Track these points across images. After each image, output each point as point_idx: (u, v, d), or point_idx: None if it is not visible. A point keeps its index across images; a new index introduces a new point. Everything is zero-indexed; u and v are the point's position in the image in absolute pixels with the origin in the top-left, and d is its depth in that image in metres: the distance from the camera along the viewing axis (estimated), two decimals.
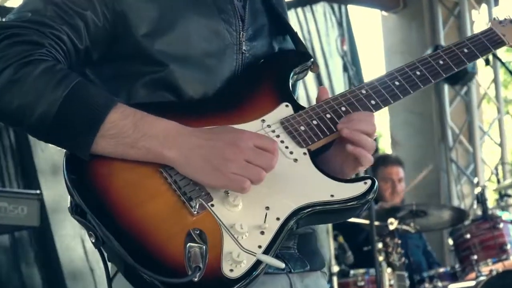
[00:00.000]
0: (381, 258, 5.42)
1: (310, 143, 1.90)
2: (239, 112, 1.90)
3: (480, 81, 8.86)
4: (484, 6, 8.60)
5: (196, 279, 1.52)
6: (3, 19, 1.86)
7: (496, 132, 8.74)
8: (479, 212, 6.34)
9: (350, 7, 8.82)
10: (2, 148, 6.07)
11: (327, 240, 5.83)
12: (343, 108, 1.95)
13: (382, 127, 10.68)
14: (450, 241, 6.36)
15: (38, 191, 5.03)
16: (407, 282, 5.56)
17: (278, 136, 1.89)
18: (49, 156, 5.90)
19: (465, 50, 2.14)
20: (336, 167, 2.00)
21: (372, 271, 5.62)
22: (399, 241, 5.54)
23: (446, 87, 8.51)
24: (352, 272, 5.78)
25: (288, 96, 1.99)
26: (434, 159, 8.46)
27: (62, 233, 6.18)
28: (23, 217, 4.77)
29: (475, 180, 8.11)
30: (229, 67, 1.98)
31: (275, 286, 1.87)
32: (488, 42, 2.20)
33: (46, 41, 1.80)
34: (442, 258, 7.83)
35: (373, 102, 1.98)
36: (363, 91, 1.99)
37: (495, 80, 8.64)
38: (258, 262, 1.65)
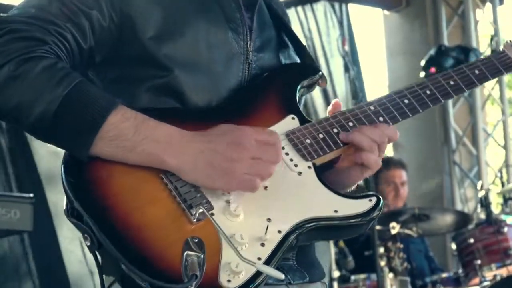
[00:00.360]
0: (382, 263, 5.42)
1: (315, 156, 1.91)
2: (243, 122, 1.89)
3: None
4: (488, 5, 8.60)
5: None
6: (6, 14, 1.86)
7: (500, 134, 8.74)
8: (483, 216, 6.36)
9: (351, 5, 8.82)
10: (1, 151, 6.06)
11: (327, 244, 5.83)
12: (351, 124, 1.98)
13: None
14: (453, 246, 6.35)
15: (31, 195, 4.99)
16: None
17: (283, 148, 1.89)
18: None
19: (476, 72, 2.17)
20: (342, 181, 2.02)
21: (373, 276, 5.62)
22: (401, 246, 5.54)
23: None
24: (353, 277, 5.78)
25: (295, 109, 2.00)
26: (437, 162, 8.46)
27: (61, 235, 6.20)
28: (15, 221, 4.75)
29: (479, 183, 8.07)
30: (235, 76, 1.99)
31: None
32: (500, 65, 2.23)
33: (49, 38, 1.80)
34: (445, 263, 7.85)
35: (381, 119, 2.00)
36: (372, 107, 2.01)
37: (500, 81, 8.64)
38: (257, 274, 1.65)
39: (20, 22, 1.80)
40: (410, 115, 2.05)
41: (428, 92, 2.07)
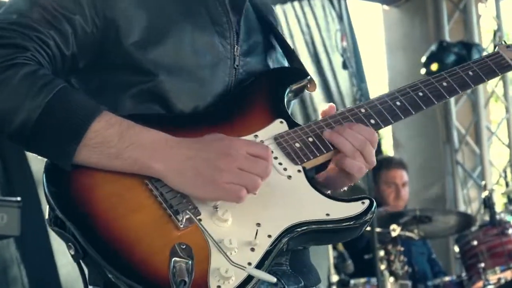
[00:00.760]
0: (382, 266, 5.43)
1: (305, 160, 1.93)
2: (231, 127, 1.93)
3: None
4: None
5: None
6: None
7: (504, 133, 8.73)
8: (487, 218, 6.34)
9: (350, 0, 8.82)
10: None
11: (326, 248, 5.82)
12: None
13: (383, 128, 10.66)
14: (456, 248, 6.36)
15: (18, 198, 4.97)
16: None
17: (272, 152, 1.89)
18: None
19: (470, 73, 2.19)
20: (332, 185, 2.03)
21: (373, 280, 5.62)
22: (402, 249, 5.55)
23: None
24: (352, 281, 5.78)
25: (283, 113, 2.02)
26: (439, 161, 8.46)
27: (53, 238, 6.20)
28: (2, 225, 4.73)
29: (483, 183, 8.09)
30: (222, 82, 2.00)
31: None
32: (494, 66, 2.25)
33: (30, 45, 1.81)
34: (448, 266, 7.85)
35: (372, 121, 2.02)
36: (362, 110, 2.03)
37: (503, 78, 8.63)
38: (248, 279, 1.66)
39: (1, 29, 1.80)
40: (402, 117, 2.06)
41: (420, 94, 2.09)
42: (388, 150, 9.64)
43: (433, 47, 8.06)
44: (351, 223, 1.84)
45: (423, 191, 8.34)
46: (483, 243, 5.98)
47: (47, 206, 1.75)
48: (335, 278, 5.74)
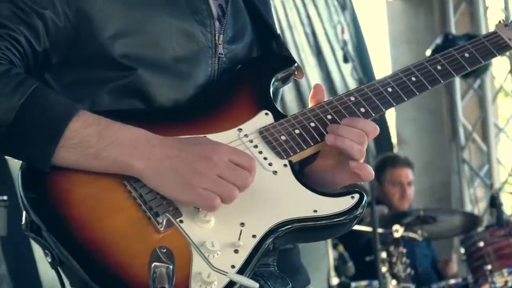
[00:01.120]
0: (384, 269, 5.39)
1: (291, 154, 1.90)
2: (214, 120, 1.90)
3: (495, 73, 8.83)
4: None
5: None
6: None
7: None
8: (494, 218, 6.31)
9: None
10: None
11: (325, 249, 5.79)
12: (329, 117, 1.96)
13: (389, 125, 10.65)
14: (462, 250, 6.35)
15: (5, 197, 4.94)
16: None
17: (256, 146, 1.88)
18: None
19: (466, 55, 2.15)
20: (326, 180, 2.00)
21: (375, 283, 5.60)
22: (404, 250, 5.53)
23: (457, 80, 8.47)
24: (353, 284, 5.76)
25: (269, 104, 1.98)
26: (444, 159, 8.44)
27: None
28: None
29: (490, 182, 8.08)
30: (204, 72, 1.97)
31: None
32: (491, 46, 2.21)
33: (1, 43, 1.80)
34: None
35: (362, 110, 1.99)
36: (352, 98, 2.00)
37: None
38: (231, 283, 1.63)
39: None
40: (394, 104, 2.02)
41: (413, 79, 2.05)
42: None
43: (438, 40, 8.04)
44: (341, 218, 1.82)
45: (428, 190, 8.32)
46: (489, 245, 5.97)
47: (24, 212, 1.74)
48: (335, 280, 5.73)
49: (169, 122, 1.86)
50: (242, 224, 1.74)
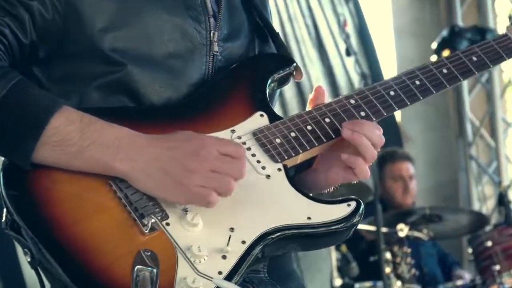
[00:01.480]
0: (388, 269, 5.37)
1: (286, 157, 1.88)
2: (206, 120, 1.89)
3: (504, 66, 8.78)
4: None
5: None
6: None
7: None
8: (502, 216, 6.32)
9: None
10: None
11: (327, 250, 5.77)
12: (327, 120, 1.95)
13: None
14: (469, 250, 6.33)
15: None
16: None
17: (249, 148, 1.87)
18: None
19: (474, 58, 2.12)
20: (320, 182, 1.99)
21: (379, 284, 5.59)
22: (409, 250, 5.51)
23: None
24: (357, 285, 5.74)
25: (264, 105, 1.97)
26: (451, 156, 8.41)
27: None
28: None
29: (498, 179, 8.05)
30: (198, 70, 1.96)
31: None
32: (501, 50, 2.18)
33: None
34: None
35: (362, 113, 1.97)
36: (352, 101, 1.98)
37: None
38: None
39: None
40: (396, 109, 2.00)
41: (417, 82, 2.03)
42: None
43: (444, 33, 8.01)
44: (337, 227, 1.80)
45: (435, 189, 8.29)
46: (498, 244, 5.94)
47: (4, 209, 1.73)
48: (338, 282, 5.73)
49: (159, 121, 1.85)
50: (232, 229, 1.73)
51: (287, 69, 2.05)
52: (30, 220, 1.66)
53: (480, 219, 6.34)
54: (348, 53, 5.99)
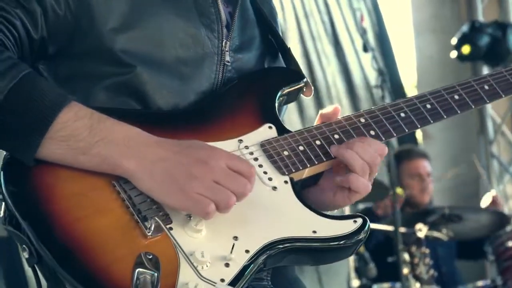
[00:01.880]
0: (406, 270, 5.34)
1: (293, 170, 1.89)
2: (213, 129, 1.90)
3: None
4: None
5: None
6: None
7: None
8: None
9: None
10: None
11: None
12: (336, 136, 1.97)
13: None
14: (490, 250, 6.31)
15: None
16: None
17: (256, 159, 1.88)
18: None
19: (486, 87, 2.15)
20: (326, 201, 1.99)
21: (398, 285, 5.56)
22: (427, 251, 5.48)
23: (485, 69, 8.39)
24: (375, 287, 5.72)
25: (273, 117, 1.99)
26: (472, 154, 8.36)
27: None
28: None
29: None
30: (207, 79, 1.97)
31: None
32: None
33: None
34: (481, 270, 7.77)
35: (372, 132, 1.99)
36: (362, 120, 2.01)
37: None
38: None
39: None
40: (406, 131, 2.02)
41: (428, 106, 2.06)
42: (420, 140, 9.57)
43: (464, 28, 7.98)
44: (341, 242, 1.80)
45: (455, 187, 8.25)
46: None
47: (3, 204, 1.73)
48: (355, 283, 5.71)
49: (165, 126, 1.85)
50: (235, 238, 1.73)
51: (297, 84, 2.07)
52: (30, 216, 1.66)
53: (501, 219, 6.29)
54: (365, 48, 5.98)
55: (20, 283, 6.09)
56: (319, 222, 1.82)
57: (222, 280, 1.65)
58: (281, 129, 1.96)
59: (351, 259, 5.74)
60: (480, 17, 8.37)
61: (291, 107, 6.72)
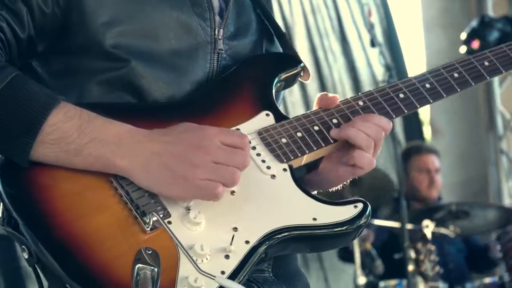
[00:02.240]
0: (411, 267, 5.35)
1: (292, 158, 1.89)
2: (210, 118, 1.88)
3: None
4: None
5: None
6: None
7: None
8: None
9: None
10: None
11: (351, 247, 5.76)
12: (335, 120, 1.96)
13: (421, 113, 10.59)
14: (498, 247, 6.26)
15: None
16: None
17: (254, 148, 1.87)
18: None
19: (486, 63, 2.14)
20: (327, 181, 2.00)
21: (405, 282, 5.54)
22: (433, 247, 5.47)
23: None
24: (382, 284, 5.74)
25: (270, 105, 1.98)
26: (481, 150, 8.37)
27: None
28: None
29: None
30: (202, 68, 1.96)
31: None
32: None
33: None
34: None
35: None
36: (360, 103, 2.00)
37: None
38: None
39: None
40: (406, 112, 2.02)
41: (427, 85, 2.05)
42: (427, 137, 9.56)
43: (474, 23, 7.96)
44: (343, 228, 1.80)
45: (464, 183, 8.26)
46: None
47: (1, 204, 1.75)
48: (362, 280, 5.68)
49: (161, 119, 1.84)
50: (235, 229, 1.73)
51: (294, 69, 2.07)
52: (29, 217, 1.66)
53: (509, 215, 6.28)
54: (372, 44, 5.97)
55: (20, 281, 6.13)
56: (319, 209, 1.81)
57: (223, 273, 1.65)
58: (279, 116, 1.95)
59: (358, 256, 5.75)
60: (490, 12, 8.35)
61: (298, 103, 6.73)
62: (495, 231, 6.51)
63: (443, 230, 5.84)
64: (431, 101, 2.04)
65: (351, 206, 1.83)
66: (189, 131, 1.73)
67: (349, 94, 7.77)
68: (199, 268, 1.62)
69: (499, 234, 6.32)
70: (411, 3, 8.97)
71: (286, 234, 1.76)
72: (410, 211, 5.79)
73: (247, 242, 1.72)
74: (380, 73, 7.65)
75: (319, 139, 1.92)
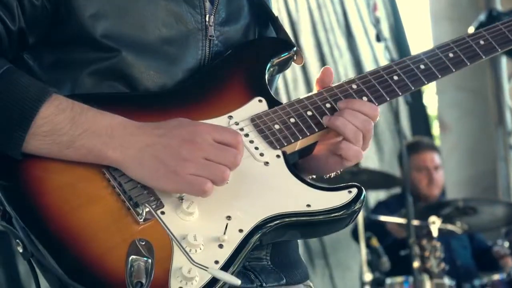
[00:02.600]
0: (416, 264, 5.36)
1: (285, 144, 1.89)
2: (202, 106, 1.90)
3: None
4: None
5: None
6: None
7: None
8: None
9: None
10: None
11: (357, 246, 5.78)
12: (328, 105, 1.95)
13: (429, 109, 10.58)
14: (506, 243, 6.28)
15: None
16: None
17: (247, 135, 1.88)
18: None
19: (481, 42, 2.12)
20: (320, 168, 2.00)
21: (412, 279, 5.55)
22: (438, 244, 5.48)
23: (503, 59, 8.39)
24: (388, 280, 5.75)
25: (263, 90, 1.97)
26: (490, 145, 8.37)
27: None
28: None
29: None
30: (194, 56, 1.97)
31: None
32: (510, 34, 2.17)
33: None
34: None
35: (365, 98, 1.97)
36: (354, 86, 1.99)
37: None
38: (213, 280, 1.63)
39: None
40: (400, 94, 2.01)
41: (422, 66, 2.04)
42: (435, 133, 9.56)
43: (481, 17, 7.92)
44: (337, 214, 1.81)
45: (472, 179, 8.26)
46: None
47: None
48: (368, 277, 5.71)
49: (154, 108, 1.86)
50: (228, 218, 1.74)
51: (287, 53, 2.06)
52: (22, 210, 1.68)
53: None
54: (378, 38, 5.97)
55: (17, 274, 6.16)
56: (313, 195, 1.82)
57: (216, 262, 1.66)
58: (272, 102, 1.94)
59: (363, 252, 5.78)
60: (498, 6, 8.33)
61: (302, 95, 6.70)
62: (503, 228, 6.53)
63: (450, 227, 5.84)
64: (426, 82, 2.04)
65: (345, 191, 1.84)
66: (182, 127, 1.75)
67: None
68: (192, 260, 1.63)
69: (507, 231, 6.34)
70: None
71: (279, 221, 1.76)
72: (416, 208, 5.79)
73: (240, 230, 1.73)
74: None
75: (312, 124, 1.92)
